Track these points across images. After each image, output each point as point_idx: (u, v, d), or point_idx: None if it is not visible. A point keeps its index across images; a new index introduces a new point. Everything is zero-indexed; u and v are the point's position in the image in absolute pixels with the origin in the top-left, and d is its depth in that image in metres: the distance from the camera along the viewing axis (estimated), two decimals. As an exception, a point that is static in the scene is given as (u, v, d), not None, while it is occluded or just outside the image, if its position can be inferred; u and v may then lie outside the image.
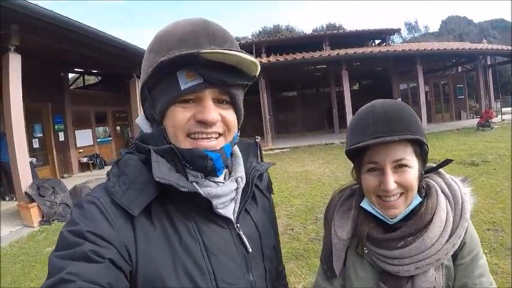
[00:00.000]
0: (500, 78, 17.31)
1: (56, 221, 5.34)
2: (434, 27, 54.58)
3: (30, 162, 5.95)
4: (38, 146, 8.92)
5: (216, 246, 0.60)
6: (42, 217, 5.34)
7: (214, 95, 0.60)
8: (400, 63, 15.05)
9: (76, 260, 0.48)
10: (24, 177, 5.31)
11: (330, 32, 19.68)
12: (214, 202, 0.61)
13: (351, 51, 13.65)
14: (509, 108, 18.03)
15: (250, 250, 0.65)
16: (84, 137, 11.05)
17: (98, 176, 7.91)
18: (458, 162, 6.84)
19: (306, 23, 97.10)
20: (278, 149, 12.31)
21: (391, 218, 0.76)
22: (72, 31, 5.76)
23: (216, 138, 0.62)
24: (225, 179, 0.68)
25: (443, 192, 0.78)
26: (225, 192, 0.64)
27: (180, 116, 0.59)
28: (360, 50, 14.01)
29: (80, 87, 13.82)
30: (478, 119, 13.43)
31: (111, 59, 8.13)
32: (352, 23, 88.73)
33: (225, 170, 0.69)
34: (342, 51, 13.45)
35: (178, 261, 0.55)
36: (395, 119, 0.72)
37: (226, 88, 0.60)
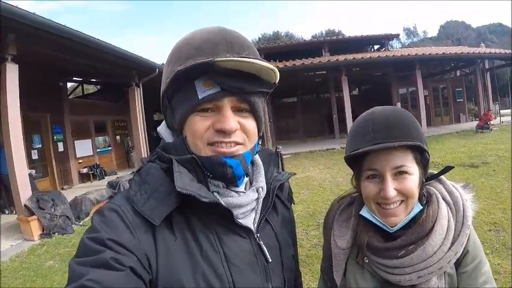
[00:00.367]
0: (498, 81, 17.36)
1: (56, 233, 5.27)
2: (433, 32, 55.06)
3: (30, 174, 5.88)
4: (37, 157, 8.83)
5: (237, 256, 0.59)
6: (43, 230, 5.27)
7: (233, 103, 0.59)
8: (399, 68, 15.15)
9: (97, 267, 0.48)
10: (24, 190, 5.21)
11: (329, 38, 19.72)
12: (235, 212, 0.60)
13: (350, 57, 13.75)
14: (508, 110, 18.06)
15: (270, 260, 0.64)
16: (83, 147, 10.95)
17: (98, 187, 7.72)
18: (458, 165, 6.89)
19: (305, 30, 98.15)
20: (279, 155, 12.25)
21: (392, 226, 0.74)
22: (70, 40, 5.68)
23: (235, 146, 0.61)
24: (245, 188, 0.67)
25: (444, 199, 0.77)
26: (246, 202, 0.63)
27: (199, 125, 0.59)
28: (359, 56, 14.07)
29: (78, 97, 13.77)
30: (477, 121, 13.48)
31: (110, 68, 8.02)
32: (351, 26, 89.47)
33: (246, 179, 0.68)
34: (342, 57, 13.54)
35: (198, 271, 0.55)
36: (395, 125, 0.72)
37: (245, 96, 0.60)
